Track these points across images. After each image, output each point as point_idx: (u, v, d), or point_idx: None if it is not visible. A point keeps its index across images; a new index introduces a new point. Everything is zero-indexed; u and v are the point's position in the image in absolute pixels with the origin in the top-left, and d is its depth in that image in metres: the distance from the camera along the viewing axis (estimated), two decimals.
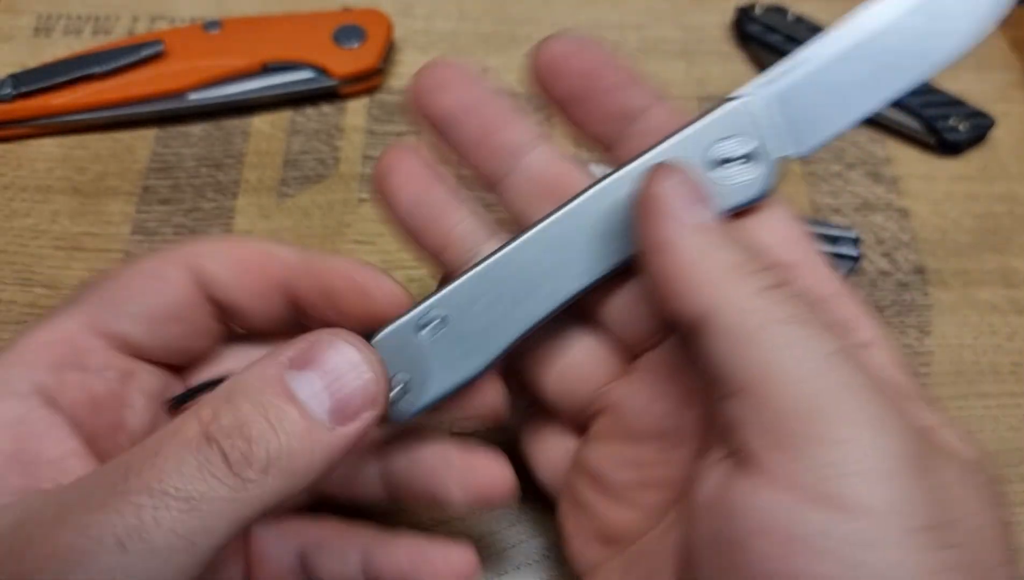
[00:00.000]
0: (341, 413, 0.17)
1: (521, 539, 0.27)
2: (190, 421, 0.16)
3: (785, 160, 0.20)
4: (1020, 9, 0.46)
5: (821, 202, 0.35)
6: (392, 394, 0.20)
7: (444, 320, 0.20)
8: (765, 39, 0.39)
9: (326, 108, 0.37)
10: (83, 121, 0.35)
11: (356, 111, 0.37)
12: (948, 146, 0.37)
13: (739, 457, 0.17)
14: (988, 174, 0.37)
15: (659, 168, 0.19)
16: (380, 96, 0.38)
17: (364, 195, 0.34)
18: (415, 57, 0.40)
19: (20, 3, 0.40)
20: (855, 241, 0.34)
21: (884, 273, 0.34)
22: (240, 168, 0.35)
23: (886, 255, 0.34)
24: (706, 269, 0.18)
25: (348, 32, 0.37)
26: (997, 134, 0.38)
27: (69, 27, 0.40)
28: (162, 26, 0.39)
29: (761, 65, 0.40)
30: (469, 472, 0.22)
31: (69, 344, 0.20)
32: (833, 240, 0.33)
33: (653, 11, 0.42)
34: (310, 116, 0.37)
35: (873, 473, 0.16)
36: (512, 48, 0.40)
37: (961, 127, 0.37)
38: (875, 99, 0.21)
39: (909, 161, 0.37)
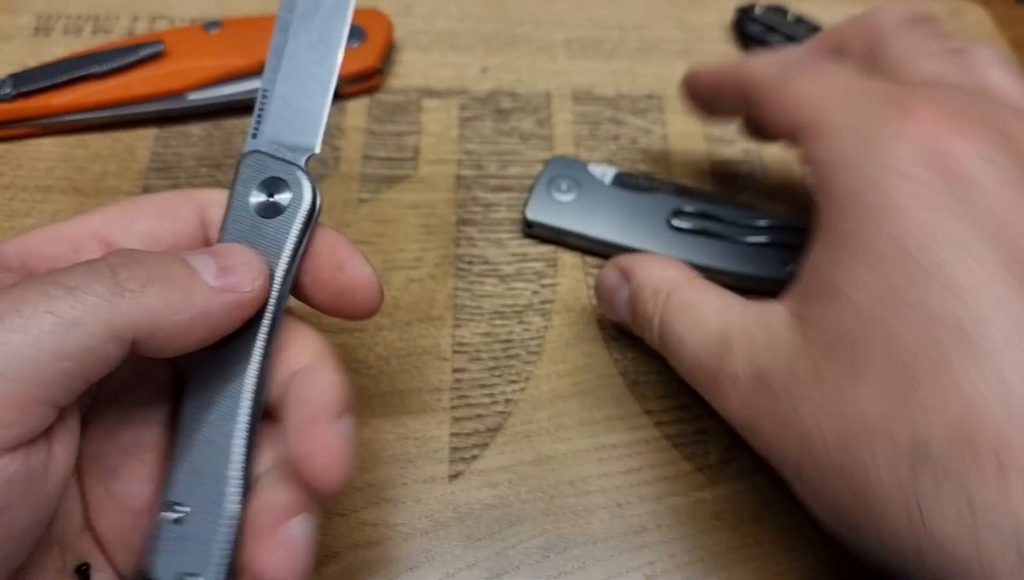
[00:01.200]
0: (224, 282, 0.20)
1: (521, 539, 0.26)
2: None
3: (310, 157, 0.24)
4: (1020, 9, 0.46)
5: None
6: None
7: None
8: (765, 39, 0.39)
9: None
10: (83, 121, 0.35)
11: (356, 111, 0.37)
12: None
13: None
14: None
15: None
16: (380, 96, 0.38)
17: (364, 195, 0.34)
18: (415, 57, 0.40)
19: (20, 3, 0.40)
20: None
21: None
22: None
23: None
24: None
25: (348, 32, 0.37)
26: None
27: (69, 27, 0.40)
28: (162, 26, 0.39)
29: None
30: (336, 271, 0.23)
31: (71, 242, 0.22)
32: None
33: (653, 11, 0.42)
34: None
35: None
36: (512, 48, 0.40)
37: None
38: (327, 74, 0.25)
39: None
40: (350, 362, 0.30)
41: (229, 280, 0.20)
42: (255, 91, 0.36)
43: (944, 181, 0.20)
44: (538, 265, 0.33)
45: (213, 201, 0.24)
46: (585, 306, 0.32)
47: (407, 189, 0.35)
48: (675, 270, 0.27)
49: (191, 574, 0.20)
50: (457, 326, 0.31)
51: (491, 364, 0.30)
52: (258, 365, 0.22)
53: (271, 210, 0.23)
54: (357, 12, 0.38)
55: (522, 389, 0.30)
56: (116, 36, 0.39)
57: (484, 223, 0.34)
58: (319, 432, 0.20)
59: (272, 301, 0.22)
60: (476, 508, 0.27)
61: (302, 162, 0.23)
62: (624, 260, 0.28)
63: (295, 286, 0.23)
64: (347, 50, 0.36)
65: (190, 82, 0.35)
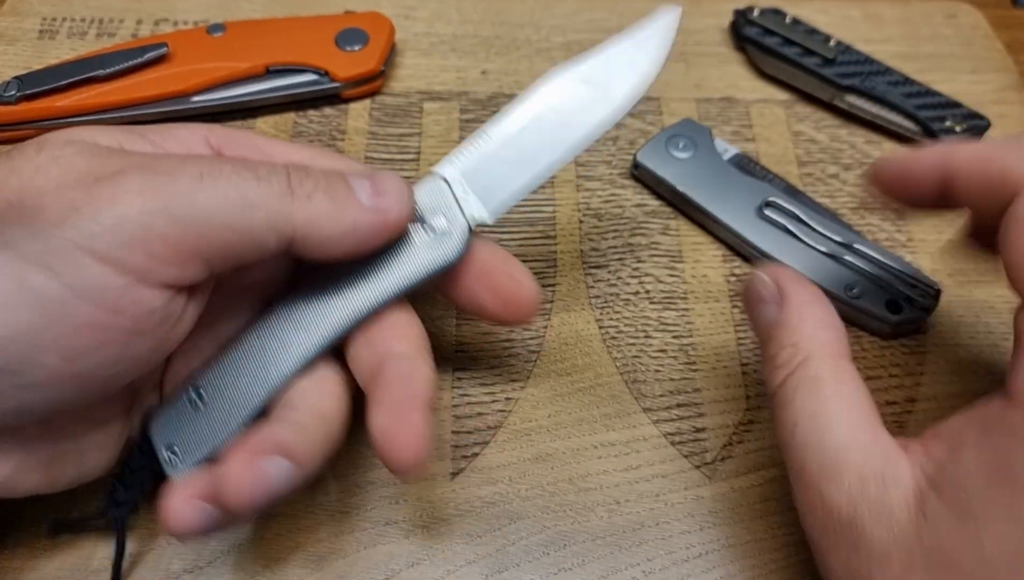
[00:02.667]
0: (376, 205, 0.22)
1: (521, 536, 0.27)
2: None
3: (477, 225, 0.25)
4: (1015, 12, 0.46)
5: (819, 203, 0.36)
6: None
7: None
8: (762, 42, 0.39)
9: (328, 110, 0.38)
10: (87, 123, 0.36)
11: (358, 113, 0.38)
12: None
13: None
14: None
15: None
16: (382, 98, 0.38)
17: None
18: (416, 60, 0.40)
19: (24, 6, 0.41)
20: (935, 293, 0.32)
21: None
22: None
23: None
24: None
25: (350, 35, 0.37)
26: (993, 136, 0.38)
27: (73, 30, 0.40)
28: (166, 29, 0.40)
29: (758, 67, 0.40)
30: (507, 281, 0.25)
31: (263, 154, 0.25)
32: (912, 284, 0.32)
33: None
34: (313, 118, 0.37)
35: None
36: (512, 51, 0.41)
37: (957, 128, 0.37)
38: (548, 167, 0.25)
39: None
40: None
41: (380, 202, 0.22)
42: (258, 94, 0.37)
43: None
44: (538, 265, 0.33)
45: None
46: (584, 306, 0.32)
47: None
48: (828, 334, 0.24)
49: (174, 449, 0.23)
50: (458, 325, 0.31)
51: (492, 363, 0.31)
52: (346, 322, 0.23)
53: (418, 233, 0.24)
54: (359, 15, 0.39)
55: (522, 387, 0.30)
56: (120, 39, 0.40)
57: None
58: (407, 416, 0.22)
59: (379, 298, 0.24)
60: (477, 505, 0.27)
61: (472, 222, 0.24)
62: (785, 279, 0.25)
63: (465, 294, 0.25)
64: (348, 53, 0.37)
65: (194, 85, 0.36)
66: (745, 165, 0.35)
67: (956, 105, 0.38)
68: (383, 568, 0.26)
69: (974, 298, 0.33)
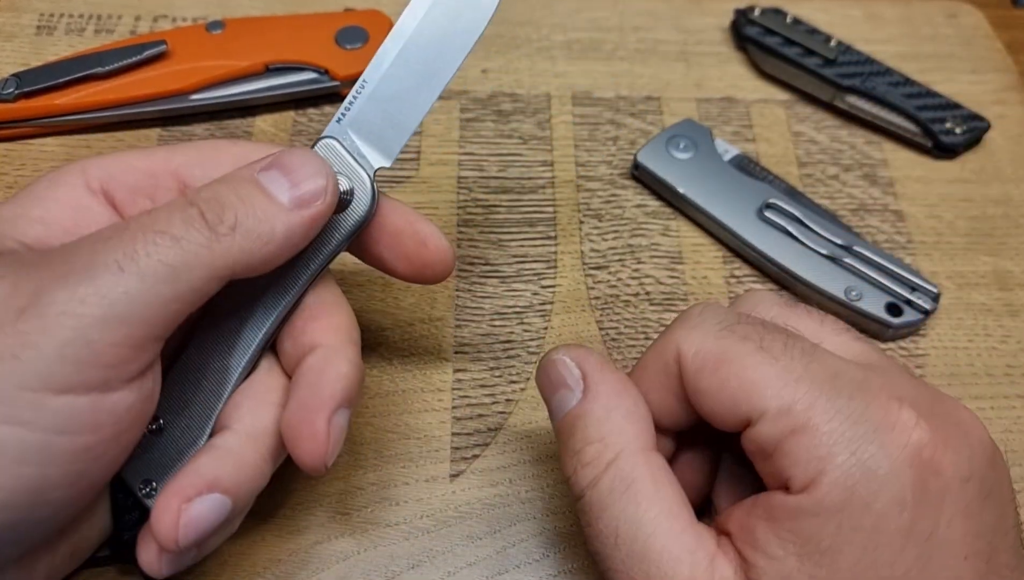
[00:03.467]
0: (298, 200, 0.21)
1: (521, 538, 0.27)
2: (178, 196, 0.21)
3: (378, 171, 0.24)
4: (1016, 12, 0.46)
5: (818, 204, 0.36)
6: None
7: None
8: (763, 41, 0.39)
9: (328, 109, 0.38)
10: (86, 120, 0.36)
11: None
12: (944, 149, 0.37)
13: None
14: (983, 177, 0.37)
15: None
16: None
17: None
18: None
19: (22, 1, 0.40)
20: (935, 296, 0.32)
21: None
22: None
23: None
24: None
25: (350, 33, 0.37)
26: (993, 137, 0.38)
27: (71, 26, 0.40)
28: (164, 26, 0.40)
29: (758, 67, 0.40)
30: (416, 245, 0.25)
31: (151, 176, 0.24)
32: (911, 287, 0.32)
33: (652, 13, 0.42)
34: (312, 117, 0.37)
35: None
36: (512, 50, 0.40)
37: (957, 130, 0.37)
38: (426, 99, 0.25)
39: (905, 164, 0.38)
40: None
41: (302, 196, 0.21)
42: (258, 92, 0.36)
43: (929, 508, 0.19)
44: (538, 266, 0.33)
45: (92, 161, 0.24)
46: (584, 307, 0.32)
47: (409, 190, 0.35)
48: (637, 425, 0.22)
49: (151, 484, 0.23)
50: (458, 326, 0.31)
51: (492, 364, 0.31)
52: (267, 329, 0.23)
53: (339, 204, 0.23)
54: (359, 13, 0.39)
55: (522, 389, 0.30)
56: (118, 36, 0.39)
57: (485, 224, 0.34)
58: (311, 420, 0.22)
59: (299, 283, 0.23)
60: (477, 507, 0.27)
61: (371, 170, 0.24)
62: (592, 368, 0.23)
63: (377, 257, 0.25)
64: (348, 51, 0.37)
65: (193, 82, 0.36)
66: (745, 166, 0.35)
67: (956, 106, 0.38)
68: (383, 570, 0.26)
69: (973, 301, 0.34)
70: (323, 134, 0.24)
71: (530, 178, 0.36)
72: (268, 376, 0.24)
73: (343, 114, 0.24)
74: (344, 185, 0.23)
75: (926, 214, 0.36)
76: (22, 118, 0.35)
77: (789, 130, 0.38)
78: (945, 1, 0.44)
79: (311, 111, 0.37)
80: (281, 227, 0.21)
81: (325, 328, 0.24)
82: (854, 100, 0.38)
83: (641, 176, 0.36)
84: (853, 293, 0.31)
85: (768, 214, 0.33)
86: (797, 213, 0.33)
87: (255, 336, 0.23)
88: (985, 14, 0.44)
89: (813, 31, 0.40)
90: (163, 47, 0.35)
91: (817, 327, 0.23)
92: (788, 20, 0.40)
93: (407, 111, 0.25)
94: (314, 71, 0.37)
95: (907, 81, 0.38)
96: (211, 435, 0.23)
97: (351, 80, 0.37)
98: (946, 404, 0.21)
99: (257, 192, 0.21)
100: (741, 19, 0.40)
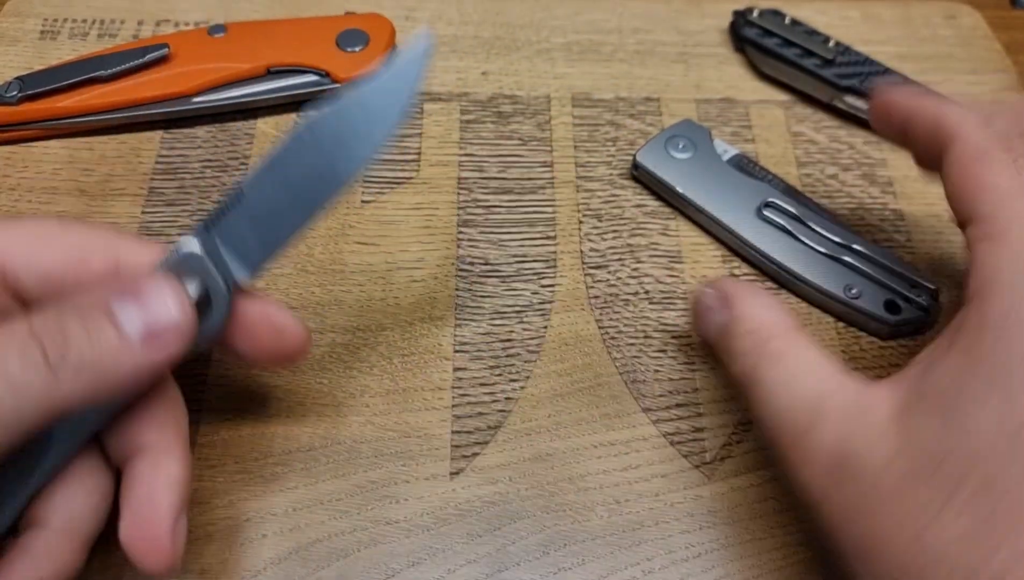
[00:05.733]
0: (151, 340, 0.20)
1: (521, 536, 0.27)
2: (21, 321, 0.19)
3: (239, 283, 0.23)
4: (1014, 13, 0.46)
5: (817, 204, 0.36)
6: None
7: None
8: (761, 42, 0.39)
9: None
10: (89, 123, 0.36)
11: None
12: None
13: None
14: None
15: None
16: None
17: (367, 197, 0.35)
18: None
19: (26, 7, 0.41)
20: (934, 294, 0.32)
21: None
22: (245, 170, 0.36)
23: None
24: None
25: (351, 36, 0.38)
26: None
27: (75, 30, 0.40)
28: (167, 30, 0.40)
29: (757, 68, 0.40)
30: (272, 337, 0.24)
31: None
32: (911, 284, 0.32)
33: (651, 15, 0.43)
34: None
35: None
36: (512, 52, 0.41)
37: None
38: (304, 214, 0.23)
39: (904, 163, 0.38)
40: (353, 361, 0.30)
41: (156, 335, 0.20)
42: (260, 94, 0.37)
43: None
44: (538, 265, 0.33)
45: (132, 253, 0.23)
46: (584, 306, 0.32)
47: (409, 191, 0.35)
48: (778, 314, 0.25)
49: None
50: (458, 325, 0.31)
51: (492, 363, 0.31)
52: (98, 422, 0.22)
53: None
54: (359, 17, 0.39)
55: (522, 387, 0.30)
56: (121, 40, 0.40)
57: (485, 224, 0.34)
58: (156, 537, 0.21)
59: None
60: (477, 505, 0.28)
61: (231, 282, 0.23)
62: (728, 285, 0.27)
63: (232, 349, 0.24)
64: (349, 54, 0.37)
65: (195, 85, 0.36)
66: (744, 166, 0.36)
67: None
68: (383, 567, 0.26)
69: None
70: (189, 236, 0.23)
71: (530, 179, 0.36)
72: (83, 461, 0.23)
73: (212, 222, 0.23)
74: (198, 293, 0.22)
75: (925, 213, 0.36)
76: (25, 121, 0.35)
77: (788, 130, 0.39)
78: (944, 2, 0.44)
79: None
80: (128, 368, 0.20)
81: (152, 424, 0.22)
82: (853, 100, 0.38)
83: (640, 176, 0.36)
84: (852, 291, 0.32)
85: (767, 213, 0.34)
86: (796, 212, 0.33)
87: (76, 441, 0.22)
88: (984, 15, 0.44)
89: (812, 32, 0.40)
90: (165, 50, 0.36)
91: None
92: (786, 21, 0.40)
93: (278, 229, 0.23)
94: (315, 73, 0.37)
95: (906, 81, 0.39)
96: (17, 531, 0.22)
97: (352, 82, 0.37)
98: None
99: (108, 326, 0.20)
100: (740, 20, 0.41)
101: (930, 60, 0.41)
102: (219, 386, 0.30)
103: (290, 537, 0.27)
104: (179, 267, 0.23)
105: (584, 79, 0.40)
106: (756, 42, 0.40)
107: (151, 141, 0.36)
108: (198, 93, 0.36)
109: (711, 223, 0.34)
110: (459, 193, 0.35)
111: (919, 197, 0.37)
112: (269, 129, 0.37)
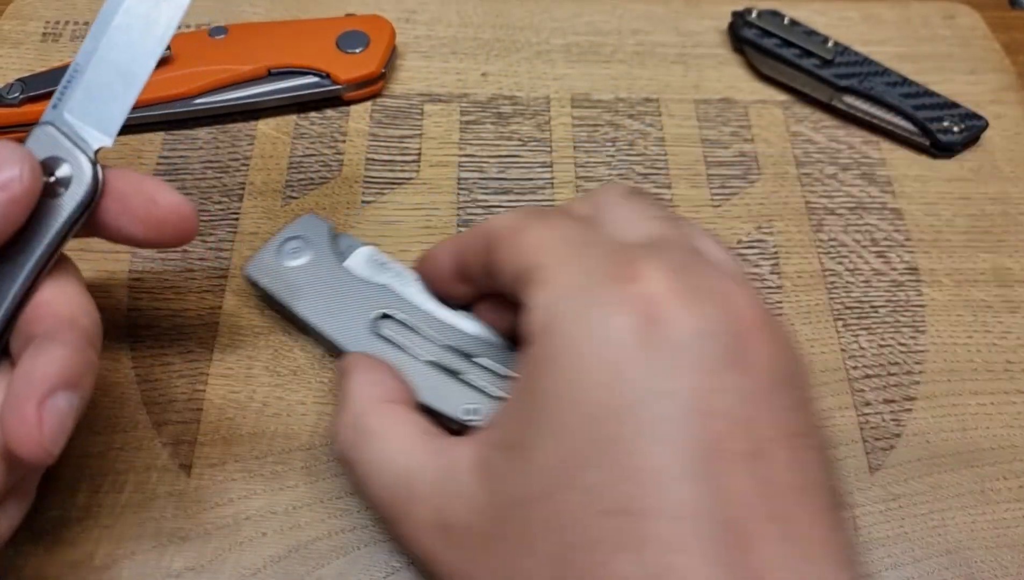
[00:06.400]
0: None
1: None
2: None
3: (100, 151, 0.24)
4: (1013, 13, 0.46)
5: (816, 203, 0.36)
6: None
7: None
8: (760, 43, 0.40)
9: (330, 112, 0.38)
10: None
11: (359, 115, 0.38)
12: (942, 148, 0.38)
13: None
14: (981, 175, 0.38)
15: None
16: (383, 100, 0.39)
17: (368, 197, 0.35)
18: (417, 62, 0.40)
19: (28, 9, 0.41)
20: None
21: (878, 273, 0.34)
22: (246, 171, 0.36)
23: (880, 255, 0.35)
24: None
25: (351, 38, 0.38)
26: (990, 136, 0.39)
27: (76, 32, 0.40)
28: None
29: (756, 69, 0.40)
30: (146, 205, 0.24)
31: None
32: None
33: (650, 16, 0.43)
34: (314, 120, 0.38)
35: None
36: (512, 53, 0.41)
37: (955, 129, 0.37)
38: (144, 66, 0.25)
39: (903, 163, 0.38)
40: None
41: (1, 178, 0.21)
42: (260, 96, 0.37)
43: (651, 357, 0.19)
44: None
45: None
46: None
47: (409, 191, 0.35)
48: (376, 388, 0.25)
49: None
50: None
51: None
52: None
53: (49, 190, 0.23)
54: (359, 18, 0.39)
55: None
56: None
57: None
58: (21, 406, 0.20)
59: (22, 276, 0.23)
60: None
61: (91, 151, 0.24)
62: (348, 360, 0.26)
63: (113, 229, 0.24)
64: (349, 55, 0.37)
65: (197, 87, 0.36)
66: (374, 260, 0.30)
67: (954, 105, 0.38)
68: (383, 566, 0.26)
69: (972, 297, 0.34)
70: (40, 121, 0.24)
71: (530, 179, 0.36)
72: None
73: (58, 100, 0.24)
74: (65, 172, 0.23)
75: (924, 212, 0.36)
76: (27, 122, 0.35)
77: (787, 130, 0.39)
78: (943, 2, 0.44)
79: (313, 114, 0.38)
80: None
81: (47, 317, 0.23)
82: (852, 100, 0.38)
83: (257, 294, 0.31)
84: (472, 408, 0.27)
85: (382, 327, 0.28)
86: (409, 321, 0.28)
87: None
88: (983, 15, 0.44)
89: (810, 32, 0.40)
90: (167, 52, 0.36)
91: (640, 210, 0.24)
92: (785, 22, 0.40)
93: (122, 87, 0.24)
94: (316, 75, 0.37)
95: (905, 81, 0.39)
96: None
97: (353, 84, 0.37)
98: (713, 278, 0.21)
99: None
100: (738, 21, 0.41)
101: (929, 60, 0.42)
102: (220, 385, 0.30)
103: (290, 535, 0.27)
104: (32, 145, 0.24)
105: (583, 80, 0.40)
106: (755, 42, 0.40)
107: (152, 142, 0.36)
108: (199, 95, 0.36)
109: (325, 342, 0.29)
110: (459, 194, 0.35)
111: (918, 196, 0.37)
112: (270, 130, 0.37)
